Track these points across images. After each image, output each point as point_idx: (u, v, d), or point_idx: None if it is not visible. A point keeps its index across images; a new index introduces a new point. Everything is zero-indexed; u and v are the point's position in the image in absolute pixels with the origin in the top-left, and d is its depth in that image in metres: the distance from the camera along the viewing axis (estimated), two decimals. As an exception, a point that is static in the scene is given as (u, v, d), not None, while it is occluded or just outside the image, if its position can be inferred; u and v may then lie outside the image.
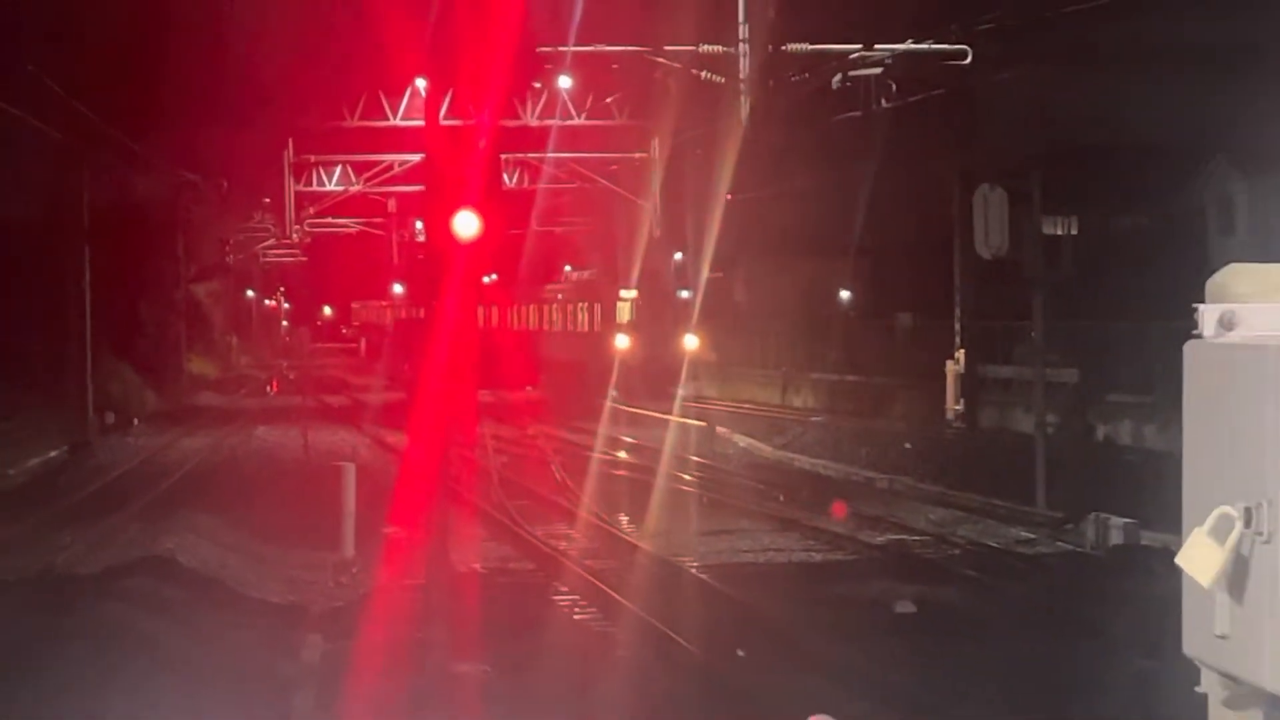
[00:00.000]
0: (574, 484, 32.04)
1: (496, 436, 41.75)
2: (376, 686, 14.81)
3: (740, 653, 16.32)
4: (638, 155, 64.29)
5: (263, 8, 40.74)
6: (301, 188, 76.00)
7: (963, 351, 43.92)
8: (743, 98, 45.14)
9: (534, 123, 61.06)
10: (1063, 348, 37.87)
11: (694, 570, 21.95)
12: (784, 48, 43.94)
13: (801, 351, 57.52)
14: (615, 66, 49.29)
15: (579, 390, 62.54)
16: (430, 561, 19.41)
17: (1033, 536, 25.00)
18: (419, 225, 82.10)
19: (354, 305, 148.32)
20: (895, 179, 47.69)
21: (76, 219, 45.12)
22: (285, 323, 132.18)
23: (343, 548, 23.40)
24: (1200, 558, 2.61)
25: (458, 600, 18.97)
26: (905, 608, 19.01)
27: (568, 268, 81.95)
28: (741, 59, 44.89)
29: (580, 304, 71.38)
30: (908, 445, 37.10)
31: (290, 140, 69.77)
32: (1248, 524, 2.59)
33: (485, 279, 70.82)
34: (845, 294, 55.68)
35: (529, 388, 63.33)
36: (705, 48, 45.49)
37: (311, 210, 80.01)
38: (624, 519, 28.28)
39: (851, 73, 43.38)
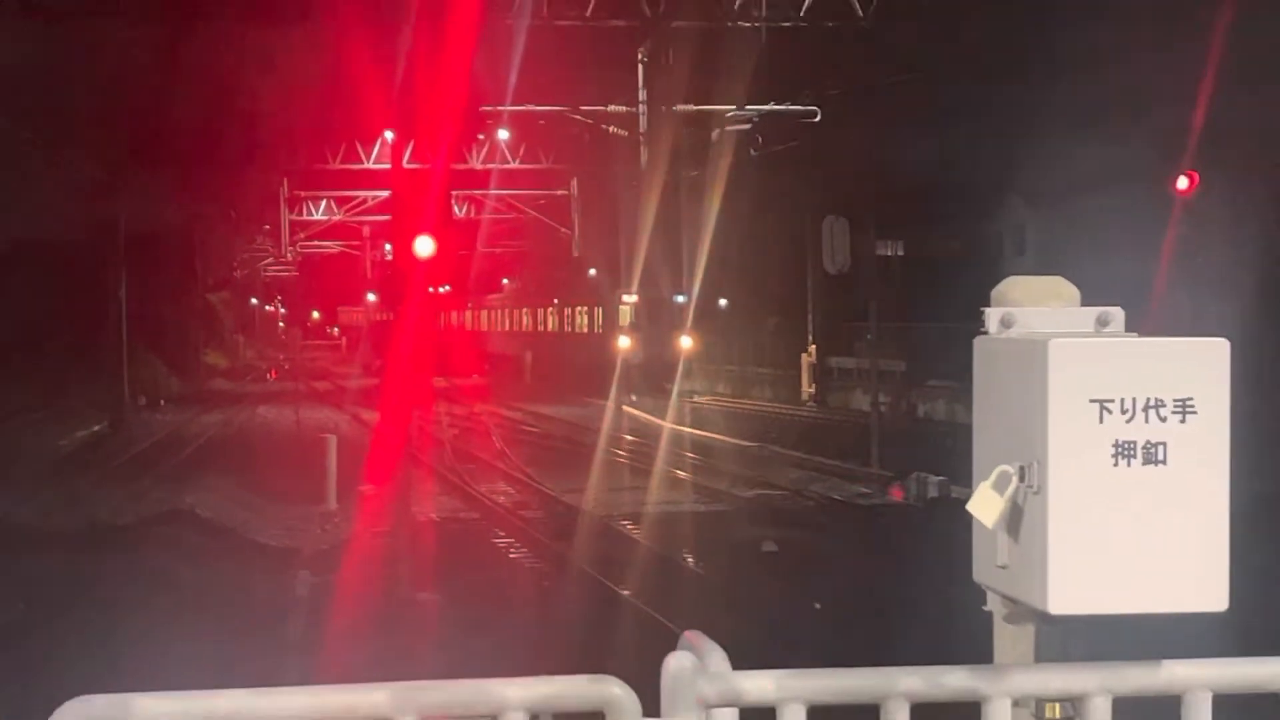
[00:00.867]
0: (511, 451, 31.96)
1: (449, 414, 41.59)
2: (353, 611, 14.78)
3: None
4: (560, 192, 64.28)
5: (263, 75, 40.51)
6: (294, 217, 75.77)
7: (815, 346, 44.18)
8: (642, 147, 45.29)
9: (478, 166, 60.93)
10: (893, 343, 38.14)
11: (605, 519, 21.96)
12: (674, 108, 44.08)
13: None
14: (542, 122, 49.25)
15: (516, 378, 62.44)
16: (396, 512, 19.38)
17: (869, 491, 25.12)
18: (388, 247, 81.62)
19: (339, 310, 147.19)
20: (765, 211, 47.78)
21: (115, 240, 44.68)
22: (282, 324, 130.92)
23: (327, 501, 23.34)
24: (985, 505, 2.65)
25: (417, 543, 18.94)
26: (769, 547, 19.09)
27: (505, 280, 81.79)
28: (640, 116, 45.03)
29: (517, 309, 71.24)
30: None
31: (285, 179, 69.44)
32: (1021, 479, 2.64)
33: (440, 289, 70.56)
34: (723, 301, 55.90)
35: (475, 376, 63.10)
36: (612, 108, 45.59)
37: (302, 235, 79.82)
38: (549, 479, 28.23)
39: (727, 128, 43.57)
